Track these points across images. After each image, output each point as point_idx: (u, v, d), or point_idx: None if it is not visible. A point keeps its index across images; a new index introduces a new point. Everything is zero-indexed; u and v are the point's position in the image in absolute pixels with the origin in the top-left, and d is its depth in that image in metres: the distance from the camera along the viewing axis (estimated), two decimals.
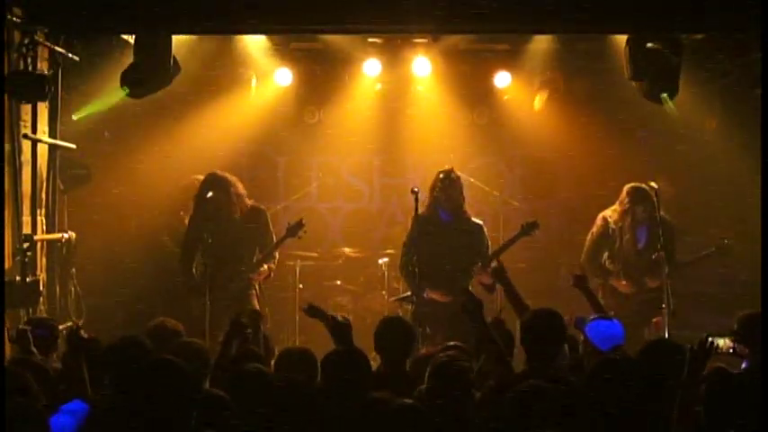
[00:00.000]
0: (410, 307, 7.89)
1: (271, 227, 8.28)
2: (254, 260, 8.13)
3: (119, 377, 4.75)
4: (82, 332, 5.21)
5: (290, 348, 6.20)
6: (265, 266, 8.13)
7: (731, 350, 5.57)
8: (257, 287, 8.17)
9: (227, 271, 7.99)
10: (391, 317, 6.42)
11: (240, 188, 8.19)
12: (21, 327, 5.84)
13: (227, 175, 8.21)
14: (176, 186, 9.39)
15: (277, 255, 8.31)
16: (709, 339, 4.85)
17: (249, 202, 8.23)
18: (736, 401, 4.25)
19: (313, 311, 6.11)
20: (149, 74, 7.77)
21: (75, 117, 8.36)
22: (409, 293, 7.97)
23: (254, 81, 9.93)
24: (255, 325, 5.94)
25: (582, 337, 5.80)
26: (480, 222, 8.08)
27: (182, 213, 8.89)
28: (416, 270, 7.52)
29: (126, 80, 7.81)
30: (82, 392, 4.86)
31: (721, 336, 5.51)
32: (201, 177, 8.38)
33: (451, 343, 5.85)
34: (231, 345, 5.50)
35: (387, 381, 5.12)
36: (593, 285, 7.84)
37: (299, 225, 8.13)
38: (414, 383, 5.02)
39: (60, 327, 6.71)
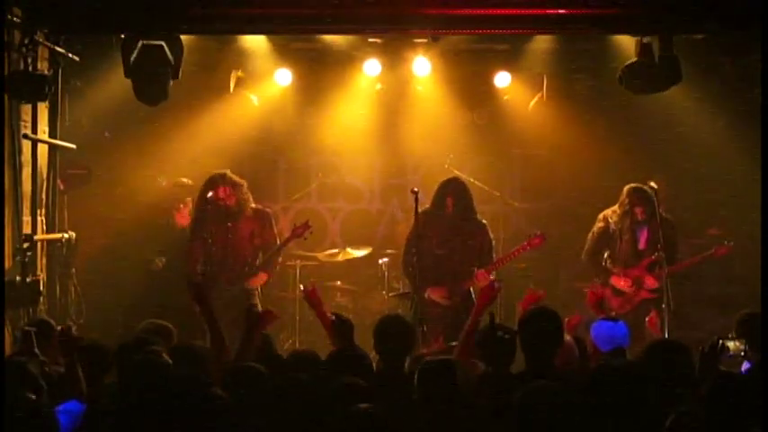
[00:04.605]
0: (409, 304, 7.88)
1: (275, 229, 8.26)
2: (258, 262, 8.12)
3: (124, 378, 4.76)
4: (73, 330, 5.22)
5: (297, 350, 6.21)
6: (262, 274, 8.10)
7: (741, 353, 5.55)
8: (259, 288, 8.16)
9: (229, 272, 7.97)
10: (390, 315, 6.42)
11: (244, 188, 8.16)
12: (25, 328, 5.83)
13: (230, 174, 8.19)
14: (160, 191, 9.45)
15: (280, 258, 8.33)
16: (720, 342, 4.85)
17: (253, 204, 8.20)
18: (737, 403, 4.24)
19: (311, 298, 6.11)
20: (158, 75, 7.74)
21: None
22: (409, 291, 7.97)
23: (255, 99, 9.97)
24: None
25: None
26: (484, 222, 8.06)
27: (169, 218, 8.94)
28: (416, 270, 7.52)
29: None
30: (78, 392, 4.88)
31: (731, 339, 5.51)
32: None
33: (453, 343, 5.85)
34: (253, 338, 5.49)
35: (385, 379, 5.13)
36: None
37: (306, 227, 8.10)
38: (413, 382, 5.01)
39: (59, 327, 6.70)
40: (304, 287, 6.28)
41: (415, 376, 4.72)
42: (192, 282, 6.17)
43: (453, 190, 7.91)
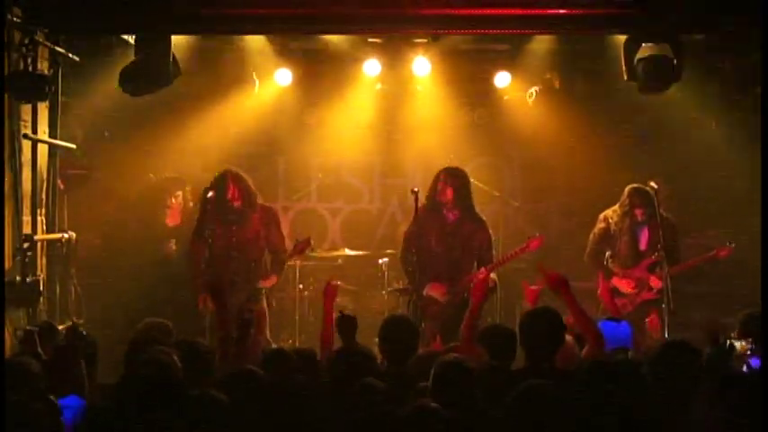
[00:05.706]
0: (407, 301, 7.86)
1: (281, 227, 8.22)
2: (264, 261, 8.08)
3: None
4: (80, 329, 5.23)
5: (299, 348, 6.21)
6: (273, 276, 8.08)
7: (748, 352, 5.56)
8: (264, 290, 8.12)
9: (233, 273, 7.91)
10: (396, 315, 6.42)
11: (251, 187, 8.10)
12: (28, 328, 5.82)
13: (239, 172, 8.14)
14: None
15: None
16: (727, 342, 4.85)
17: (260, 201, 8.16)
18: (741, 402, 4.24)
19: (330, 293, 6.16)
20: (148, 73, 7.74)
21: None
22: (407, 287, 7.97)
23: (257, 82, 9.92)
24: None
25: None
26: (482, 218, 8.05)
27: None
28: (415, 267, 7.52)
29: (124, 79, 7.76)
30: (79, 388, 4.88)
31: (735, 338, 5.52)
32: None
33: (451, 344, 5.85)
34: (246, 341, 5.51)
35: (387, 378, 5.13)
36: (594, 286, 7.87)
37: (307, 243, 8.02)
38: (413, 381, 5.02)
39: (60, 327, 6.71)
40: (330, 281, 6.32)
41: (432, 374, 4.71)
42: (208, 281, 6.15)
43: (449, 175, 7.90)
